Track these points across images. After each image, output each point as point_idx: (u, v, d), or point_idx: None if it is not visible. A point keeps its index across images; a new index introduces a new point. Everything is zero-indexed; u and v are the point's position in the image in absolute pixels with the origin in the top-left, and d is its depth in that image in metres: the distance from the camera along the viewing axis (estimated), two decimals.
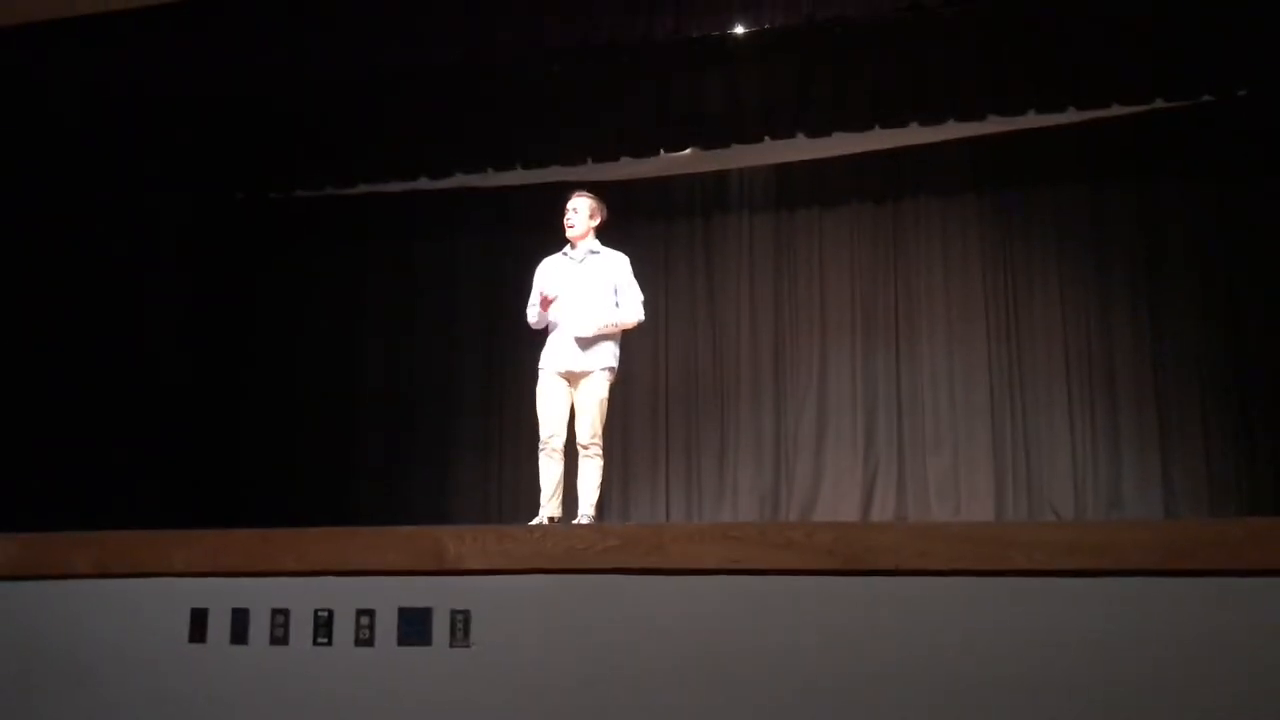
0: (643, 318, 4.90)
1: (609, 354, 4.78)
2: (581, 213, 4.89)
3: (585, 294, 4.79)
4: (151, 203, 6.64)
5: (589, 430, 4.69)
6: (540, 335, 4.91)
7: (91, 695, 3.69)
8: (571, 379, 4.75)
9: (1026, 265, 6.84)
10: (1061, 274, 6.75)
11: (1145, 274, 6.56)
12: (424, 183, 7.12)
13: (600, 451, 4.74)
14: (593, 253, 4.90)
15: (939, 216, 7.01)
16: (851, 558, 3.22)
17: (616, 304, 4.84)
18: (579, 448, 4.72)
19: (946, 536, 3.28)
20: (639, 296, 4.88)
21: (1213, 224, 6.40)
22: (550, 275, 4.89)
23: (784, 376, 7.09)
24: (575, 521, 4.65)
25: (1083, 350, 6.65)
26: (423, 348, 7.45)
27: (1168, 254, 6.52)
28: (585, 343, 4.74)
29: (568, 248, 4.93)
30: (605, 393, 4.75)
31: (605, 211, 4.96)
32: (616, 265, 4.88)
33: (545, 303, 4.74)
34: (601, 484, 4.78)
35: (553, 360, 4.78)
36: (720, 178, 7.29)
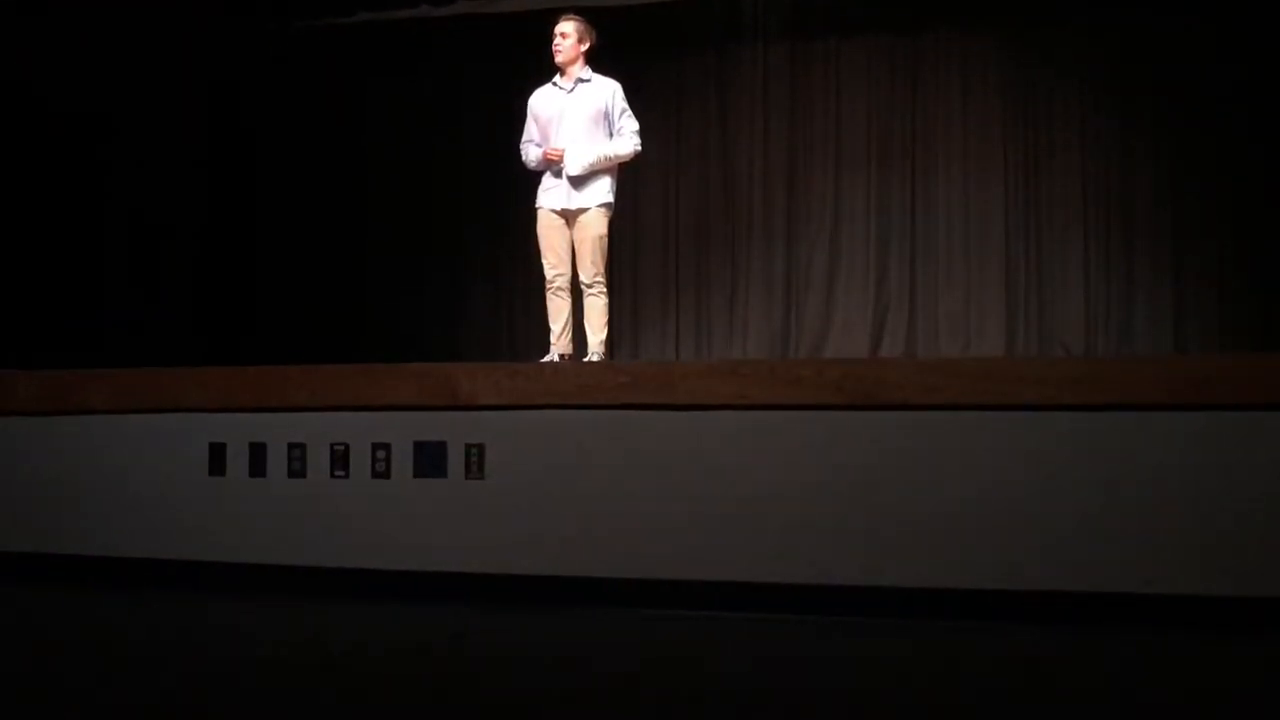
0: (639, 147, 4.69)
1: (605, 189, 4.65)
2: (570, 37, 4.63)
3: (577, 126, 4.62)
4: (152, 30, 6.43)
5: (591, 268, 4.62)
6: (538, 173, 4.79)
7: (115, 526, 3.81)
8: (568, 217, 4.67)
9: (1048, 101, 6.65)
10: (1083, 109, 6.57)
11: (1166, 111, 6.38)
12: (425, 9, 6.85)
13: (604, 289, 4.68)
14: (583, 81, 4.67)
15: (959, 49, 6.77)
16: (861, 393, 3.23)
17: (611, 135, 4.70)
18: (583, 286, 4.67)
19: (956, 371, 3.29)
20: (634, 125, 4.65)
21: (1238, 57, 6.16)
22: (541, 108, 4.73)
23: (796, 213, 7.00)
24: (586, 359, 4.67)
25: (1100, 187, 6.54)
26: (431, 183, 7.33)
27: (1189, 90, 6.31)
28: (579, 179, 4.61)
29: (557, 77, 4.73)
30: (604, 229, 4.65)
31: (595, 36, 4.69)
32: (608, 93, 4.65)
33: (551, 161, 4.61)
34: (609, 321, 4.75)
35: (548, 198, 4.68)
36: (733, 5, 7.00)
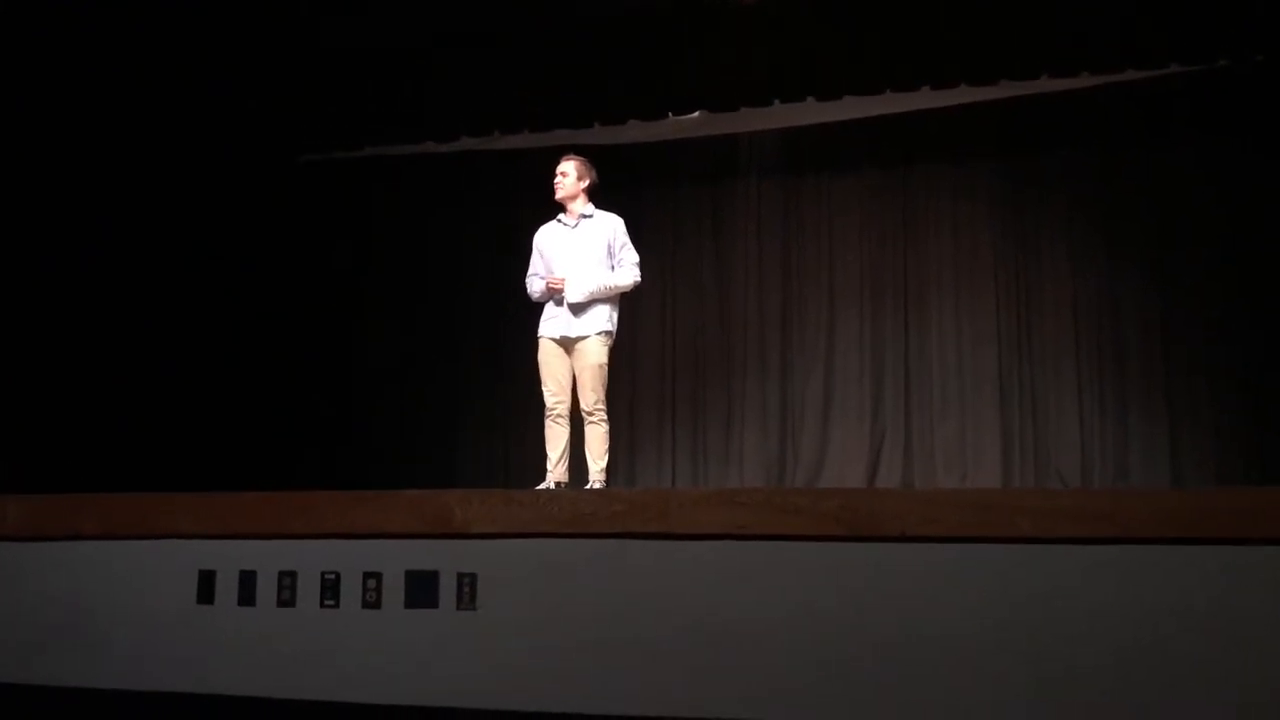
0: (639, 279, 4.82)
1: (605, 318, 4.74)
2: (570, 175, 4.82)
3: (580, 259, 4.76)
4: (150, 164, 6.61)
5: (591, 395, 4.67)
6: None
7: (100, 656, 3.72)
8: (568, 345, 4.74)
9: (1037, 232, 6.81)
10: (1072, 240, 6.72)
11: (1157, 241, 6.52)
12: (430, 146, 7.08)
13: (605, 417, 4.72)
14: (586, 216, 4.84)
15: (949, 182, 6.97)
16: (857, 524, 3.21)
17: (612, 267, 4.80)
18: (584, 414, 4.71)
19: (953, 503, 3.27)
20: (634, 258, 4.81)
21: (1226, 190, 6.35)
22: (546, 243, 4.86)
23: (791, 343, 7.08)
24: (587, 487, 4.66)
25: (1092, 318, 6.63)
26: (431, 312, 7.45)
27: (1181, 220, 6.47)
28: (579, 308, 4.71)
29: (562, 214, 4.89)
30: (604, 357, 4.72)
31: (594, 173, 4.89)
32: (611, 227, 4.82)
33: (553, 290, 4.72)
34: (609, 451, 4.77)
35: (549, 327, 4.77)
36: (729, 142, 7.24)
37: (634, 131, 6.84)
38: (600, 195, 4.92)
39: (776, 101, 6.51)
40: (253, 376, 7.21)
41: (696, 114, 6.75)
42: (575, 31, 6.45)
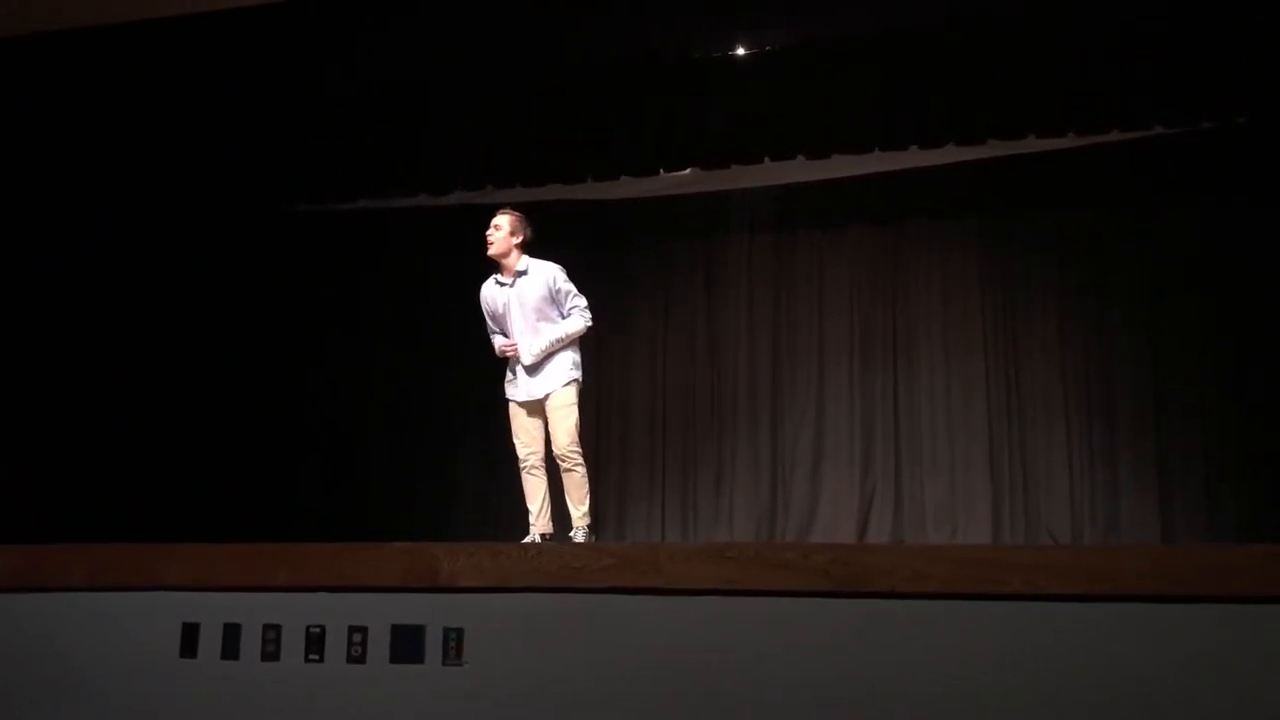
0: (590, 323, 4.77)
1: (567, 366, 4.71)
2: (502, 229, 4.75)
3: (524, 317, 4.74)
4: (146, 212, 6.64)
5: (565, 439, 4.64)
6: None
7: (81, 709, 3.66)
8: (536, 404, 4.74)
9: (1026, 289, 6.86)
10: (1061, 298, 6.77)
11: (1144, 299, 6.58)
12: (424, 199, 7.13)
13: (581, 461, 4.67)
14: (521, 273, 4.77)
15: (939, 239, 7.04)
16: (847, 579, 3.20)
17: (563, 315, 4.76)
18: (558, 460, 4.69)
19: (943, 559, 3.26)
20: (582, 302, 4.76)
21: (1213, 246, 6.42)
22: (489, 302, 4.84)
23: (782, 398, 7.09)
24: (570, 535, 4.62)
25: (1081, 375, 6.66)
26: (424, 364, 7.44)
27: (1167, 279, 6.54)
28: (538, 368, 4.71)
29: (497, 271, 4.84)
30: (573, 399, 4.69)
31: (529, 229, 4.82)
32: (550, 276, 4.75)
33: (506, 354, 4.75)
34: (589, 494, 4.73)
35: (513, 391, 4.78)
36: (720, 198, 7.31)
37: (626, 187, 6.91)
38: (534, 250, 4.85)
39: (767, 159, 6.59)
40: (245, 424, 7.18)
41: (688, 171, 6.83)
42: (568, 88, 6.53)
